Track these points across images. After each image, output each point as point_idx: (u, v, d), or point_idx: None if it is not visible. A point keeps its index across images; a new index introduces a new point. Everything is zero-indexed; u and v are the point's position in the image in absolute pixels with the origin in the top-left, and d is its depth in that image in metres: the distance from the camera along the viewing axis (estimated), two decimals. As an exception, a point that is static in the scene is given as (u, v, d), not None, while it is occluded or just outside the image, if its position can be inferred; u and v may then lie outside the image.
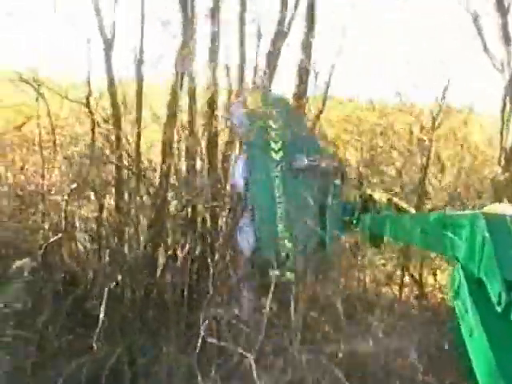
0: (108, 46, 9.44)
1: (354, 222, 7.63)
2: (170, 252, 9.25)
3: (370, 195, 7.77)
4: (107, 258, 9.29)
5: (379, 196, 7.66)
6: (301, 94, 9.30)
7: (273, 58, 9.10)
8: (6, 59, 11.95)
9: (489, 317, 4.25)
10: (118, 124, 9.56)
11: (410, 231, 6.29)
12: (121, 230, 9.54)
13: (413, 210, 7.35)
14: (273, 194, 7.85)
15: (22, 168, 12.53)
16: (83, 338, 7.72)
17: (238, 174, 8.08)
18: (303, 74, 9.44)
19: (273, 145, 7.96)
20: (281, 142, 7.96)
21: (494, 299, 4.12)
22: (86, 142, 10.62)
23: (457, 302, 4.71)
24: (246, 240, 8.01)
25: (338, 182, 8.00)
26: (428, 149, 10.09)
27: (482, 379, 4.27)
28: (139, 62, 9.37)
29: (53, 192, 10.43)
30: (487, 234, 4.34)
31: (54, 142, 11.22)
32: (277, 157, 7.94)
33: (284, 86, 9.52)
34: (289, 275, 7.70)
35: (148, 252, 9.24)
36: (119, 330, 8.17)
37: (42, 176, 10.82)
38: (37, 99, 11.03)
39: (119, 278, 8.81)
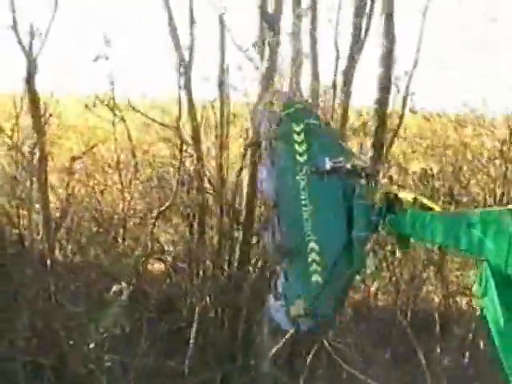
0: (187, 67, 9.37)
1: (381, 222, 7.62)
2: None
3: (396, 195, 7.75)
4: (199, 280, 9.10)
5: (404, 195, 7.64)
6: (382, 108, 9.14)
7: (350, 73, 8.97)
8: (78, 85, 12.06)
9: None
10: (198, 147, 9.39)
11: (435, 230, 6.28)
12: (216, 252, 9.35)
13: (438, 208, 7.31)
14: (298, 197, 7.87)
15: (101, 192, 12.45)
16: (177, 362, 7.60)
17: (262, 180, 8.14)
18: (384, 87, 9.27)
19: (297, 147, 7.98)
20: (305, 144, 7.98)
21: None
22: (168, 164, 10.41)
23: (485, 301, 4.70)
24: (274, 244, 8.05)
25: (363, 182, 7.99)
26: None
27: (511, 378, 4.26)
28: (222, 84, 9.24)
29: (135, 215, 10.34)
30: (513, 231, 4.33)
31: (135, 165, 11.13)
32: (301, 159, 7.96)
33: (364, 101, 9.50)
34: None
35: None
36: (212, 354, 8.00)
37: (123, 199, 10.69)
38: (113, 122, 10.86)
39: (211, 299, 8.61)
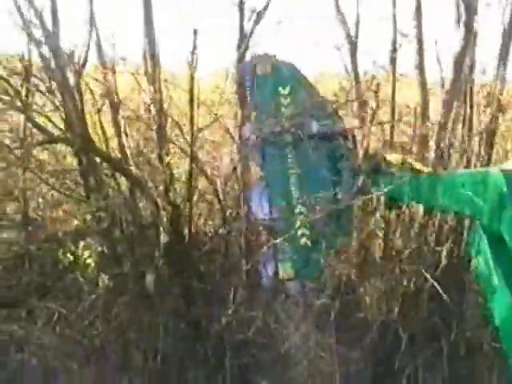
0: (353, 47, 9.14)
1: (368, 184, 7.57)
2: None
3: (384, 157, 7.68)
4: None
5: (393, 157, 7.58)
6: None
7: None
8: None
9: (509, 271, 4.21)
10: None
11: (427, 192, 6.23)
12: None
13: (426, 170, 7.25)
14: (285, 160, 7.81)
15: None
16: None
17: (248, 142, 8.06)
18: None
19: (283, 110, 7.89)
20: (291, 106, 7.89)
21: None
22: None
23: (479, 261, 4.67)
24: (260, 208, 8.00)
25: (350, 144, 7.93)
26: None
27: (504, 336, 4.25)
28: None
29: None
30: (505, 189, 4.28)
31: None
32: (287, 122, 7.87)
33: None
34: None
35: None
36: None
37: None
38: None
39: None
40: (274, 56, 8.45)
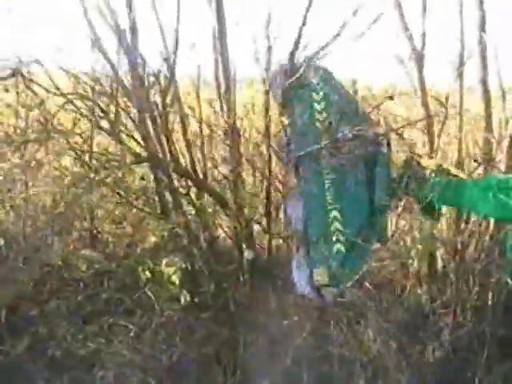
0: (419, 57, 9.21)
1: (403, 190, 7.51)
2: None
3: (418, 162, 7.62)
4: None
5: (428, 162, 7.51)
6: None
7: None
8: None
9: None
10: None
11: (463, 197, 6.18)
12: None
13: (464, 176, 7.18)
14: (319, 166, 7.77)
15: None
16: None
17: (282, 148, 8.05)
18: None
19: (317, 115, 7.85)
20: (325, 111, 7.85)
21: None
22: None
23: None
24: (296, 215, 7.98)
25: (384, 149, 7.86)
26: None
27: None
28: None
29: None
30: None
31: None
32: (321, 127, 7.83)
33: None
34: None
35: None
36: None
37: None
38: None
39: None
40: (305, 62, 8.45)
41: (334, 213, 7.68)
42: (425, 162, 7.42)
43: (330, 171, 7.74)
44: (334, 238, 7.69)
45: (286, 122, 7.87)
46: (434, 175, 7.27)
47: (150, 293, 8.40)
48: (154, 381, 7.84)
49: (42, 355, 8.12)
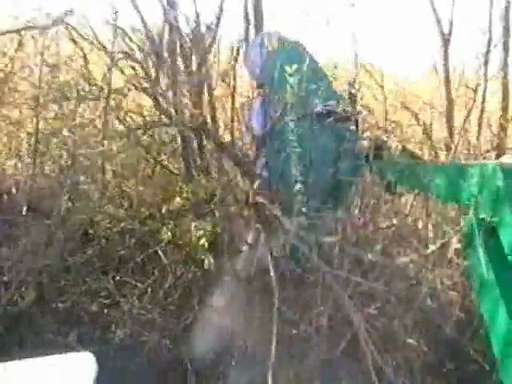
0: (445, 42, 9.16)
1: (368, 168, 7.64)
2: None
3: (384, 141, 7.75)
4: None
5: (394, 143, 7.65)
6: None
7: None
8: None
9: (501, 266, 4.30)
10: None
11: (425, 180, 6.30)
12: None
13: (425, 160, 7.35)
14: (287, 138, 7.85)
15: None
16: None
17: (254, 115, 8.10)
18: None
19: (288, 88, 7.90)
20: (297, 85, 7.90)
21: (507, 249, 4.16)
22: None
23: (469, 252, 4.75)
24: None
25: (353, 127, 7.97)
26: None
27: (492, 332, 4.33)
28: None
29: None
30: (502, 184, 4.35)
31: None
32: (292, 100, 7.89)
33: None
34: None
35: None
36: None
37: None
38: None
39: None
40: (279, 33, 8.48)
41: (298, 185, 7.81)
42: (392, 142, 7.55)
43: (296, 144, 7.84)
44: (297, 211, 7.83)
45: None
46: (398, 156, 7.39)
47: (161, 253, 8.48)
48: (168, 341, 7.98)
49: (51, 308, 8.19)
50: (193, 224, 7.75)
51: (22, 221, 9.35)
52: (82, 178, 10.03)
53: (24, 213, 9.68)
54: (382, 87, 10.16)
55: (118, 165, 10.05)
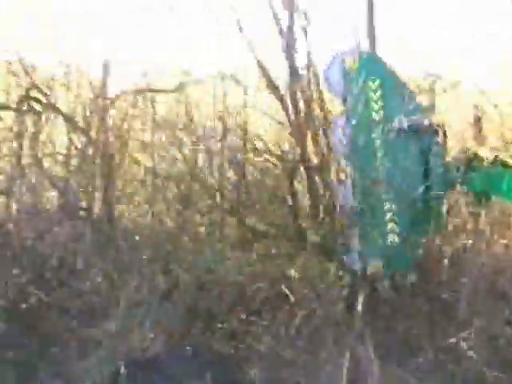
0: None
1: (460, 180, 7.50)
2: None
3: (475, 153, 7.59)
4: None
5: (485, 153, 7.48)
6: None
7: None
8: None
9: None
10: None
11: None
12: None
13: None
14: (374, 156, 7.80)
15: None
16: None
17: (337, 135, 8.07)
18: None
19: (372, 104, 7.86)
20: (380, 101, 7.86)
21: None
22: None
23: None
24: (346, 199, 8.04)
25: (440, 140, 7.85)
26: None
27: None
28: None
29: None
30: None
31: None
32: (377, 117, 7.85)
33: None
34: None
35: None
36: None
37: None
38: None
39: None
40: (360, 49, 8.44)
41: (389, 204, 7.72)
42: (483, 152, 7.39)
43: (384, 161, 7.78)
44: (388, 229, 7.74)
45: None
46: (489, 166, 7.24)
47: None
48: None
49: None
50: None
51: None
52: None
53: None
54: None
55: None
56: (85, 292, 8.57)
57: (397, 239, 7.65)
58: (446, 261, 8.37)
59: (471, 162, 7.44)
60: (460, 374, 7.16)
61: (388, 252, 7.65)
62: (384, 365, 7.15)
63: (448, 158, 7.89)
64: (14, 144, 9.96)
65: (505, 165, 7.13)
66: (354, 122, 7.83)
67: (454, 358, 7.36)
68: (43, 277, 8.91)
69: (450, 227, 8.11)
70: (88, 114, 10.06)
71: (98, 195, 9.82)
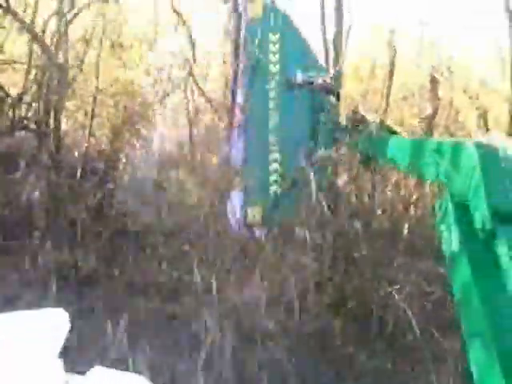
0: None
1: (345, 140, 7.67)
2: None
3: (363, 116, 7.77)
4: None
5: (372, 117, 7.67)
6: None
7: None
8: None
9: (472, 242, 4.36)
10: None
11: (401, 154, 6.33)
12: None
13: (404, 134, 7.37)
14: (266, 106, 7.84)
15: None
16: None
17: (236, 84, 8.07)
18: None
19: (271, 57, 7.87)
20: (279, 54, 7.88)
21: (478, 226, 4.21)
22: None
23: (442, 227, 4.81)
24: (236, 150, 8.08)
25: (333, 99, 7.98)
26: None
27: (461, 307, 4.38)
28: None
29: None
30: (478, 163, 4.39)
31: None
32: (274, 69, 7.87)
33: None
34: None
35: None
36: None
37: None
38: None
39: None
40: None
41: (275, 154, 7.83)
42: (370, 116, 7.57)
43: (275, 112, 7.84)
44: (272, 179, 7.87)
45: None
46: (376, 130, 7.42)
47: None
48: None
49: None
50: None
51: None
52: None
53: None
54: None
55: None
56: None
57: (279, 190, 7.78)
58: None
59: (359, 123, 7.59)
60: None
61: (270, 201, 7.78)
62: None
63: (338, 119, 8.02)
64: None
65: (391, 130, 7.30)
66: (252, 72, 7.84)
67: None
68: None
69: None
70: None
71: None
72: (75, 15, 9.69)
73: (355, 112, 7.87)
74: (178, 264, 7.34)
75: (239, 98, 8.02)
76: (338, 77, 8.46)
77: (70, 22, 9.61)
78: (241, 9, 8.24)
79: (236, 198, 7.98)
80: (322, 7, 9.42)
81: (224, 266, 6.94)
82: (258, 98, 7.90)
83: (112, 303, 6.63)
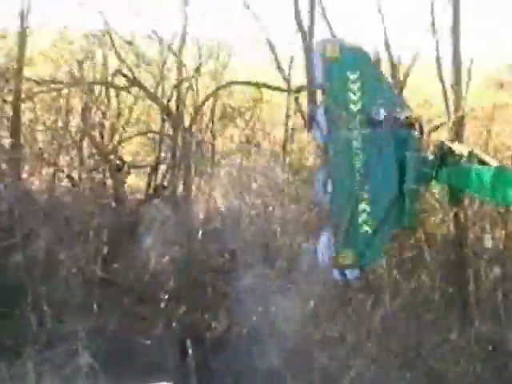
0: None
1: (434, 175, 7.49)
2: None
3: (450, 147, 7.59)
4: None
5: (459, 148, 7.48)
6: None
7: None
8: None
9: None
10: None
11: (492, 185, 6.15)
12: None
13: (496, 164, 7.13)
14: (350, 146, 7.79)
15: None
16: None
17: (316, 126, 8.04)
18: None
19: (351, 95, 7.84)
20: (359, 92, 7.83)
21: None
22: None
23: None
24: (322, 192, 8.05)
25: (416, 133, 7.84)
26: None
27: None
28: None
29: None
30: None
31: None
32: (355, 108, 7.83)
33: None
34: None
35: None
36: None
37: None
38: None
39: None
40: (343, 39, 8.39)
41: (363, 194, 7.71)
42: (457, 147, 7.39)
43: (360, 152, 7.76)
44: (361, 220, 7.74)
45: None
46: (465, 161, 7.23)
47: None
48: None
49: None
50: None
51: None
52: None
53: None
54: None
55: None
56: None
57: (370, 231, 7.66)
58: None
59: (446, 157, 7.43)
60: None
61: (360, 242, 7.66)
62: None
63: (424, 153, 7.88)
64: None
65: (481, 161, 7.10)
66: (332, 113, 7.82)
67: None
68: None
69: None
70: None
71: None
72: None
73: (441, 144, 7.72)
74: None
75: (320, 139, 8.02)
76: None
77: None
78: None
79: (325, 239, 7.91)
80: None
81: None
82: (340, 137, 7.86)
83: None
